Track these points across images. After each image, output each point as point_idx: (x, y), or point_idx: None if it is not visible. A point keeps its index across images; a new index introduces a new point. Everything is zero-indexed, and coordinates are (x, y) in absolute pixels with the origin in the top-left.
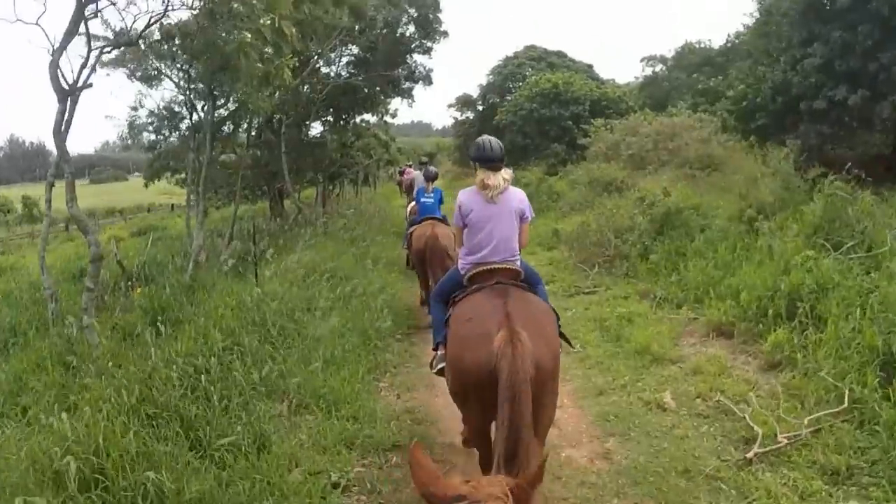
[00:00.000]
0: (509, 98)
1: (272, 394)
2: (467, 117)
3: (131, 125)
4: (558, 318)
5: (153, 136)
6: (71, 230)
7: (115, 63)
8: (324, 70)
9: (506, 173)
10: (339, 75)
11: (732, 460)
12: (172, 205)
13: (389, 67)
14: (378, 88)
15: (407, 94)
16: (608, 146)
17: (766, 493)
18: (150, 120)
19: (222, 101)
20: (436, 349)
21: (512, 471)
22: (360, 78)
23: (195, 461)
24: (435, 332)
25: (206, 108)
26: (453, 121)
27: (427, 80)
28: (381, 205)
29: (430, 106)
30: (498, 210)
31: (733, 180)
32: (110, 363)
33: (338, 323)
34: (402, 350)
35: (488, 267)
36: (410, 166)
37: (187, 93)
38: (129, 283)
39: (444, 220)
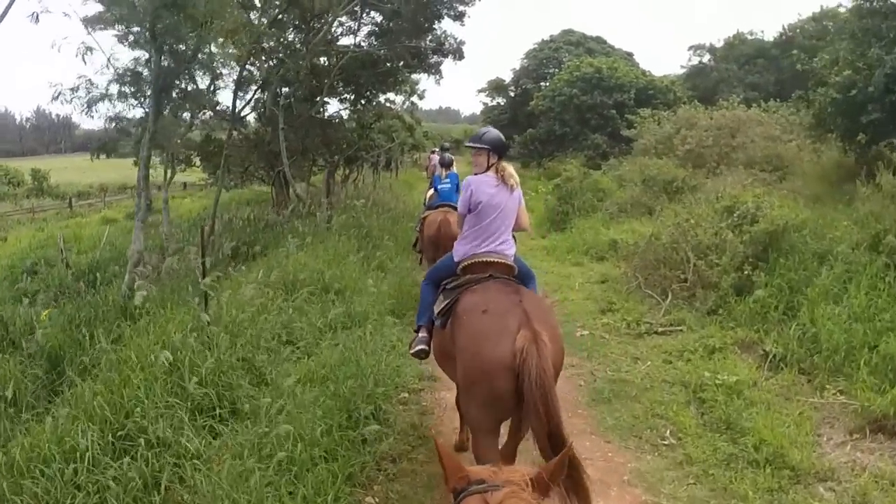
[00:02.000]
0: (544, 84)
1: None
2: (498, 103)
3: (74, 90)
4: None
5: (113, 106)
6: (76, 207)
7: (98, 22)
8: (343, 42)
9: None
10: (358, 46)
11: None
12: (185, 183)
13: (415, 36)
14: (402, 63)
15: (435, 70)
16: (658, 140)
17: None
18: (107, 86)
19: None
20: (417, 331)
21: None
22: (382, 49)
23: None
24: (420, 313)
25: (151, 58)
26: (483, 106)
27: (458, 53)
28: (400, 193)
29: (459, 92)
30: (510, 198)
31: (820, 189)
32: None
33: (312, 373)
34: (406, 427)
35: (484, 259)
36: (435, 152)
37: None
38: (78, 286)
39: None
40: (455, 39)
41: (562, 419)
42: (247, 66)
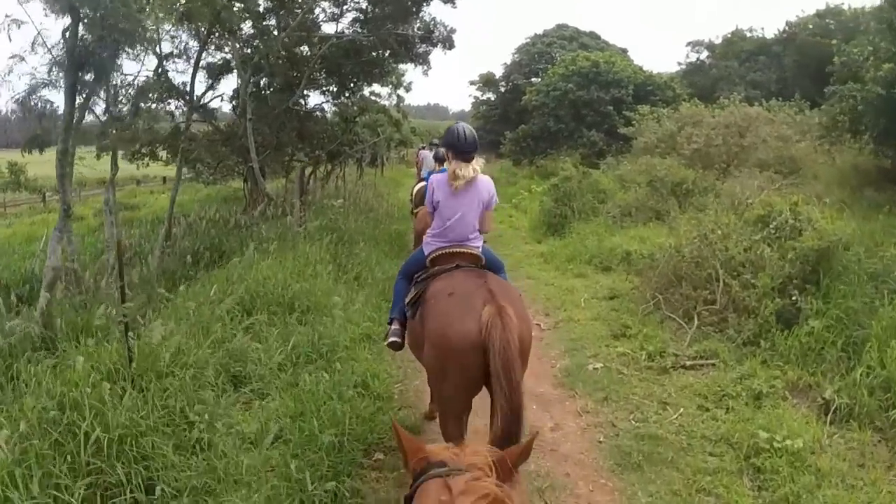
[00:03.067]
0: (536, 80)
1: None
2: (488, 98)
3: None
4: None
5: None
6: (50, 202)
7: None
8: (326, 29)
9: (477, 164)
10: (341, 34)
11: None
12: (164, 178)
13: (401, 21)
14: (388, 52)
15: (422, 60)
16: (660, 138)
17: None
18: (49, 70)
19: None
20: (390, 323)
21: (512, 438)
22: (367, 37)
23: None
24: (393, 306)
25: (67, 28)
26: (473, 100)
27: (448, 42)
28: (385, 191)
29: (447, 88)
30: (468, 199)
31: (842, 195)
32: None
33: (260, 429)
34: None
35: (450, 250)
36: (424, 147)
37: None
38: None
39: None
40: (445, 27)
41: (522, 397)
42: (219, 52)
